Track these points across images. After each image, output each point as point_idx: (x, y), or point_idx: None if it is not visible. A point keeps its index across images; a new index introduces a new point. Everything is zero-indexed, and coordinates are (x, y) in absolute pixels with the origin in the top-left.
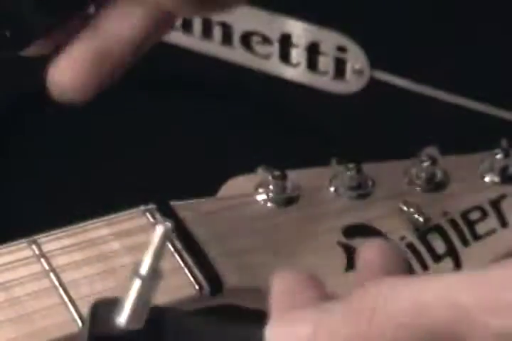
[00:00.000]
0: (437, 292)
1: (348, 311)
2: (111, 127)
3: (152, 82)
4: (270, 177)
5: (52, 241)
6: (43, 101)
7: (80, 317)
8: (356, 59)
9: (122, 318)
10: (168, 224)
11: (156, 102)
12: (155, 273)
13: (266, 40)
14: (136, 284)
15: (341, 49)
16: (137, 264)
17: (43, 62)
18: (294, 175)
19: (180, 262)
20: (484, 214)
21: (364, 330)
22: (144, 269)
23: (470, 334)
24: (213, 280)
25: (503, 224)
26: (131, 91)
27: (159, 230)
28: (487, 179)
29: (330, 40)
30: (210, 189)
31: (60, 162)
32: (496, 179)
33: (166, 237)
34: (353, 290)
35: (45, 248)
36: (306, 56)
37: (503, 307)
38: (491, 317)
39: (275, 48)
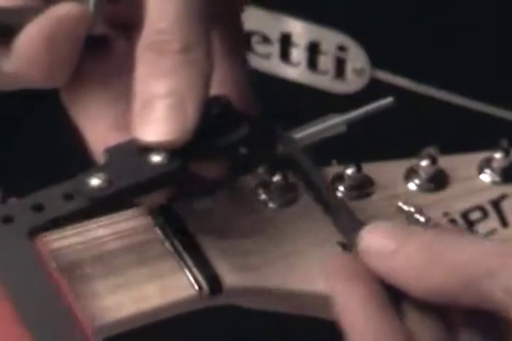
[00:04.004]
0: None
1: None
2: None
3: None
4: (270, 178)
5: (53, 241)
6: (44, 99)
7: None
8: (357, 58)
9: None
10: None
11: None
12: None
13: (266, 39)
14: None
15: (342, 48)
16: None
17: None
18: (294, 175)
19: (180, 262)
20: (485, 214)
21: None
22: None
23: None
24: (213, 280)
25: (504, 224)
26: None
27: None
28: (487, 179)
29: (330, 39)
30: (210, 189)
31: (60, 162)
32: (496, 179)
33: None
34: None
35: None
36: (306, 55)
37: None
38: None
39: (275, 48)
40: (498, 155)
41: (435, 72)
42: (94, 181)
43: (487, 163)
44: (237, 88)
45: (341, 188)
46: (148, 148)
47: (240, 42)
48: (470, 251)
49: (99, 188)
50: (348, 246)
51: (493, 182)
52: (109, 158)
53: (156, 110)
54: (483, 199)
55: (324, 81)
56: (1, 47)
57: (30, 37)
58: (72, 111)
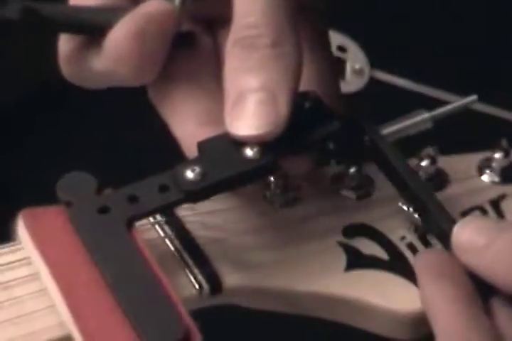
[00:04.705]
0: None
1: None
2: (110, 127)
3: None
4: (271, 178)
5: None
6: (54, 98)
7: None
8: (356, 59)
9: None
10: None
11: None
12: None
13: None
14: None
15: (341, 49)
16: None
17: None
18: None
19: (180, 262)
20: (484, 214)
21: None
22: None
23: None
24: (213, 280)
25: None
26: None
27: None
28: (487, 179)
29: (330, 39)
30: None
31: (61, 161)
32: (496, 179)
33: None
34: None
35: None
36: None
37: None
38: None
39: None
40: (497, 155)
41: (434, 73)
42: (189, 174)
43: (487, 163)
44: (323, 86)
45: (341, 188)
46: (241, 142)
47: (326, 40)
48: None
49: (193, 181)
50: (438, 238)
51: (493, 182)
52: (202, 152)
53: (247, 105)
54: (483, 199)
55: None
56: (91, 46)
57: (119, 35)
58: (160, 108)
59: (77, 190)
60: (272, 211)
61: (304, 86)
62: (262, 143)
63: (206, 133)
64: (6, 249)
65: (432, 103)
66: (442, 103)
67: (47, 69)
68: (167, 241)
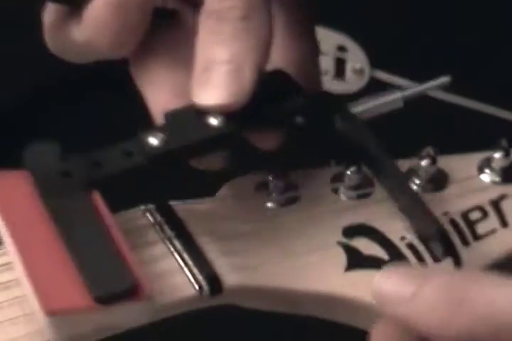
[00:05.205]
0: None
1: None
2: (110, 125)
3: None
4: (270, 178)
5: None
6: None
7: None
8: (356, 59)
9: None
10: None
11: None
12: None
13: None
14: None
15: (341, 49)
16: None
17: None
18: (294, 175)
19: (180, 262)
20: (484, 214)
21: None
22: None
23: None
24: (213, 280)
25: (504, 224)
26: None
27: None
28: (487, 179)
29: (330, 39)
30: (210, 189)
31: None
32: (496, 179)
33: None
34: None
35: None
36: None
37: None
38: None
39: None
40: (498, 155)
41: (434, 72)
42: (153, 140)
43: (487, 163)
44: (299, 64)
45: (341, 188)
46: (205, 112)
47: (307, 19)
48: (498, 294)
49: (156, 147)
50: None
51: (493, 182)
52: (168, 121)
53: (214, 75)
54: (483, 199)
55: (324, 81)
56: (73, 17)
57: (98, 6)
58: (137, 79)
59: (42, 156)
60: (271, 211)
61: (279, 63)
62: (226, 113)
63: (179, 104)
64: (5, 250)
65: (432, 103)
66: (442, 103)
67: (47, 70)
68: (167, 241)
